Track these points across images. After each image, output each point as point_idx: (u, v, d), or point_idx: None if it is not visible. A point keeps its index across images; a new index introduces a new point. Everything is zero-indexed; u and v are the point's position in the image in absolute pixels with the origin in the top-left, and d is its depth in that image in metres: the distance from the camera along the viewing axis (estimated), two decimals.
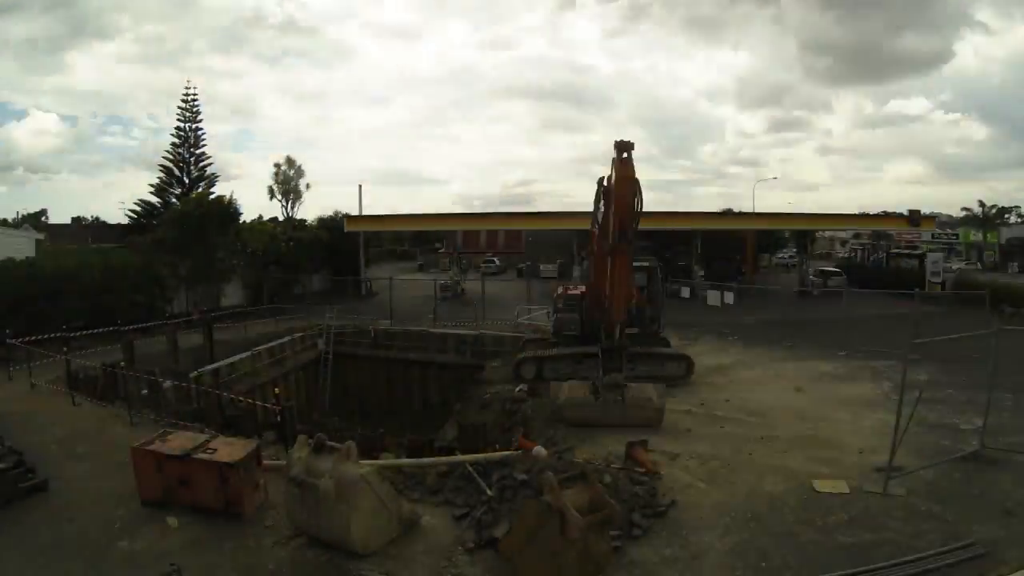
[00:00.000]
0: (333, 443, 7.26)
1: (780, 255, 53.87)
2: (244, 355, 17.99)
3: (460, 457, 9.00)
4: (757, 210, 43.64)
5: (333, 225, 37.98)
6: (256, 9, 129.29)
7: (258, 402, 12.16)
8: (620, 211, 10.30)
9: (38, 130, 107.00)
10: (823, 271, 36.60)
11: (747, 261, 37.27)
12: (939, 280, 29.75)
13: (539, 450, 8.24)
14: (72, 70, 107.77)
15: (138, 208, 35.19)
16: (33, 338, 14.45)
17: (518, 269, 45.08)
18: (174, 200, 34.10)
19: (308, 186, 52.04)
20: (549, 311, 18.20)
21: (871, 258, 41.10)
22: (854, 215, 43.90)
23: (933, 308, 24.49)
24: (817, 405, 12.36)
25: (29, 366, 13.99)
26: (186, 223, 25.28)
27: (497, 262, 47.74)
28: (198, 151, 36.86)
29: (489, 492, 7.87)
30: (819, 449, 9.75)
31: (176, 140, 36.21)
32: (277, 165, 51.62)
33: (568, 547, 5.98)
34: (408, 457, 10.28)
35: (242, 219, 32.13)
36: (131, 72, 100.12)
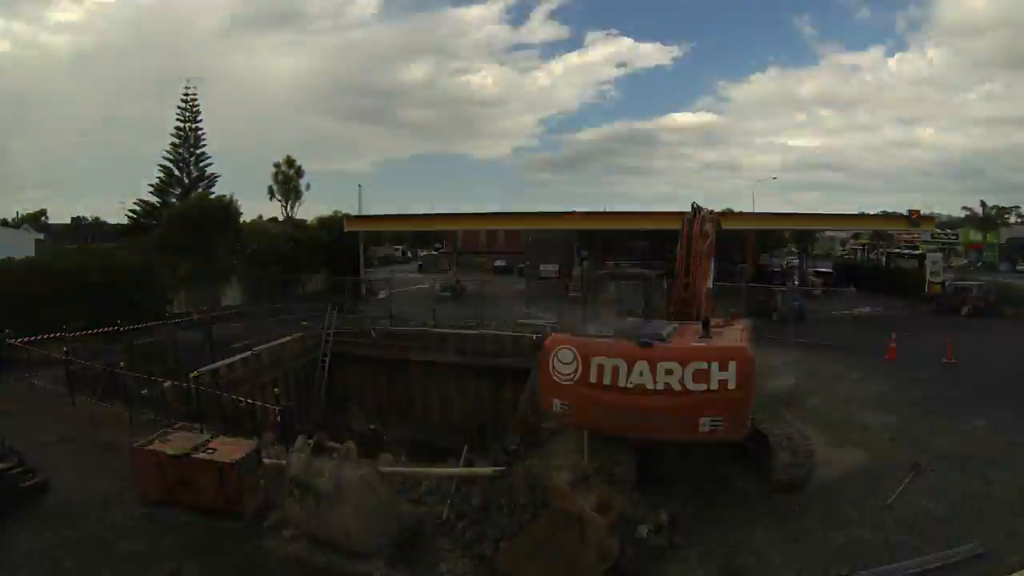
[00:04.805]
0: (333, 443, 7.26)
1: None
2: (244, 355, 17.95)
3: (448, 471, 8.90)
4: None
5: (333, 225, 37.92)
6: None
7: (258, 402, 12.13)
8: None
9: None
10: (817, 272, 36.65)
11: (746, 261, 37.19)
12: (939, 280, 29.69)
13: None
14: None
15: (138, 208, 35.07)
16: (33, 338, 14.45)
17: (519, 269, 45.21)
18: (174, 200, 34.03)
19: (308, 186, 51.88)
20: None
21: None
22: (854, 215, 43.70)
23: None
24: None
25: (29, 366, 13.99)
26: (186, 223, 25.26)
27: (505, 263, 48.40)
28: (198, 151, 36.83)
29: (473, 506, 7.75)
30: None
31: (176, 140, 36.18)
32: (277, 165, 51.48)
33: (587, 548, 5.99)
34: (408, 457, 10.30)
35: (242, 219, 32.12)
36: None
